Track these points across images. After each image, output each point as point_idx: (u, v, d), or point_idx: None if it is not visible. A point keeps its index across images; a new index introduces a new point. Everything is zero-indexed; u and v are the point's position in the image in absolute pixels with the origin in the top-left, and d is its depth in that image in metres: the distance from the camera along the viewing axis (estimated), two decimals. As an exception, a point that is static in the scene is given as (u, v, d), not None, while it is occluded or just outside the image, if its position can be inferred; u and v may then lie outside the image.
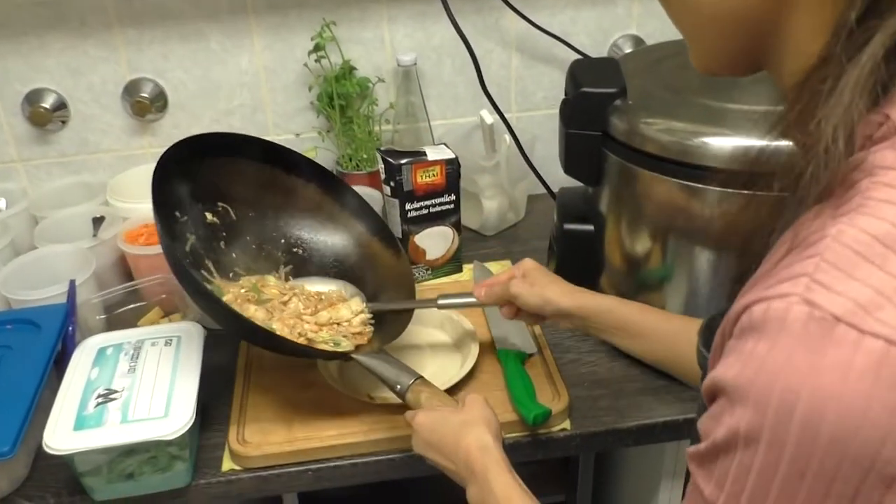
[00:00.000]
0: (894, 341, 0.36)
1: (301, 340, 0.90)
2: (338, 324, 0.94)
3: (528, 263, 0.89)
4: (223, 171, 0.98)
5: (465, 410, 0.73)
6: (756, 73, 0.52)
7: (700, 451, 0.43)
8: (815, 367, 0.36)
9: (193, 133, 1.28)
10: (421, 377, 0.83)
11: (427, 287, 1.14)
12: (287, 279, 1.02)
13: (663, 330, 0.83)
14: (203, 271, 0.96)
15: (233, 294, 0.95)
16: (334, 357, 0.90)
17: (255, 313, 0.92)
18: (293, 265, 1.03)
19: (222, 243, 0.99)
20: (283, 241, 1.04)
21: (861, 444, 0.36)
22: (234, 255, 1.00)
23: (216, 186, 0.98)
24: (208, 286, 0.93)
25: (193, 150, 0.95)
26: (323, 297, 0.99)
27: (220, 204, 0.99)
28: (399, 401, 0.84)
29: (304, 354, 0.90)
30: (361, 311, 0.96)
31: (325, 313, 0.95)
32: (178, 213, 0.95)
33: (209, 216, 0.98)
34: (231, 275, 0.98)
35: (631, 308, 0.84)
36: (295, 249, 1.04)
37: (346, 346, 0.90)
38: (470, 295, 0.92)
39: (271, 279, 1.00)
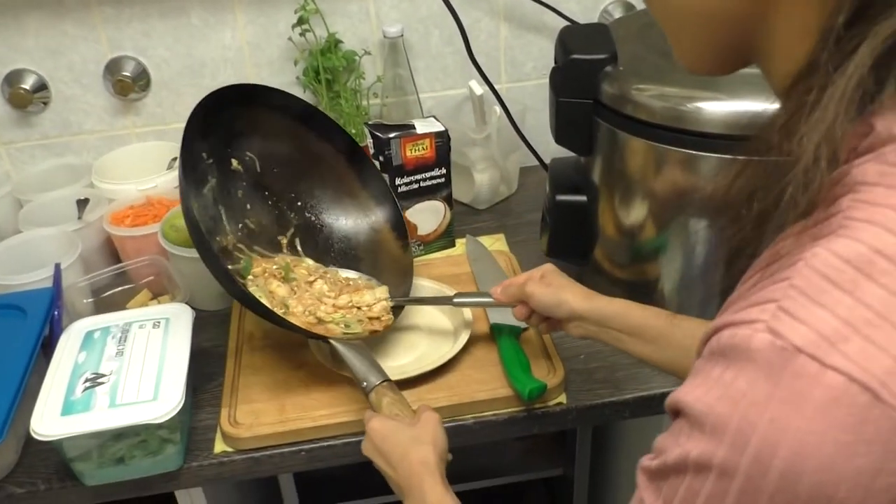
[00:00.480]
0: (856, 378, 0.34)
1: (310, 319, 0.90)
2: (357, 308, 0.94)
3: (547, 266, 0.85)
4: (260, 123, 0.99)
5: (418, 426, 0.74)
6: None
7: (651, 468, 0.42)
8: (772, 398, 0.35)
9: (178, 112, 1.27)
10: (388, 380, 0.82)
11: (420, 262, 1.12)
12: (293, 242, 1.03)
13: (679, 335, 0.76)
14: (214, 220, 0.96)
15: (262, 268, 0.96)
16: (315, 336, 0.90)
17: (276, 289, 0.93)
18: (302, 229, 1.04)
19: (240, 192, 1.00)
20: (298, 203, 1.05)
21: (813, 484, 0.34)
22: (248, 206, 1.00)
23: (249, 136, 0.99)
24: (220, 241, 0.95)
25: (236, 98, 0.95)
26: (351, 282, 0.99)
27: (248, 154, 1.00)
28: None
29: (286, 326, 0.88)
30: (385, 300, 0.95)
31: (346, 296, 0.95)
32: (204, 154, 0.95)
33: (234, 163, 0.99)
34: (240, 225, 0.99)
35: (647, 312, 0.79)
36: (308, 214, 1.05)
37: (355, 329, 0.90)
38: (485, 294, 0.89)
39: (308, 262, 1.01)
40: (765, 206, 0.41)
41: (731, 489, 0.36)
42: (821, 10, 0.39)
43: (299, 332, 0.89)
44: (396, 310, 0.96)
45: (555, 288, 0.82)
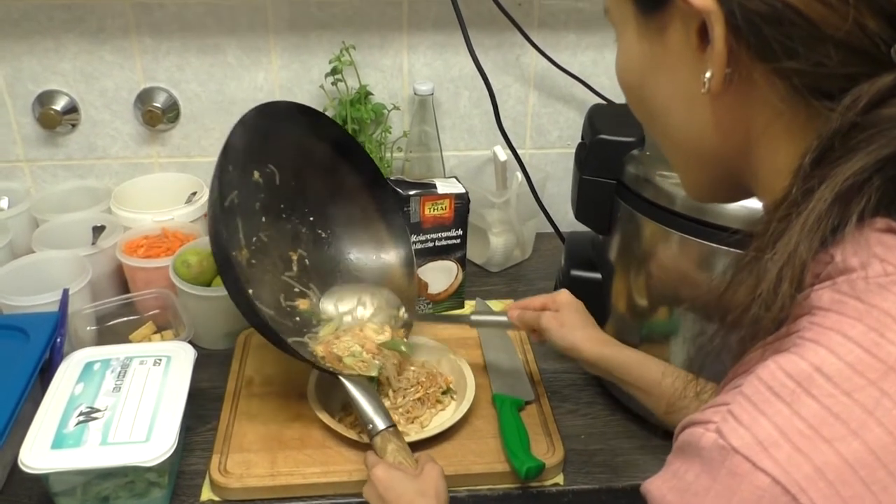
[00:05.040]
0: (780, 480, 0.37)
1: (332, 358, 0.91)
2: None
3: (563, 297, 0.89)
4: (286, 139, 0.99)
5: (421, 479, 0.75)
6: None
7: None
8: (710, 491, 0.39)
9: (203, 146, 1.28)
10: (394, 426, 0.82)
11: (427, 322, 1.11)
12: (302, 261, 1.03)
13: (694, 405, 0.76)
14: (232, 233, 0.96)
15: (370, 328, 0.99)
16: (324, 370, 0.89)
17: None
18: (311, 245, 1.04)
19: (257, 204, 0.99)
20: (311, 218, 1.04)
21: None
22: (263, 218, 1.00)
23: (274, 150, 0.99)
24: (236, 255, 0.95)
25: (274, 113, 0.96)
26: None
27: (270, 166, 1.00)
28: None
29: (297, 356, 0.88)
30: (401, 314, 0.99)
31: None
32: (230, 167, 0.94)
33: (256, 174, 0.98)
34: (254, 238, 0.98)
35: (653, 367, 0.81)
36: (319, 231, 1.05)
37: (372, 370, 0.91)
38: (503, 314, 0.93)
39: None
40: (736, 318, 0.45)
41: None
42: (794, 153, 0.43)
43: (308, 363, 0.89)
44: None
45: (568, 329, 0.85)
